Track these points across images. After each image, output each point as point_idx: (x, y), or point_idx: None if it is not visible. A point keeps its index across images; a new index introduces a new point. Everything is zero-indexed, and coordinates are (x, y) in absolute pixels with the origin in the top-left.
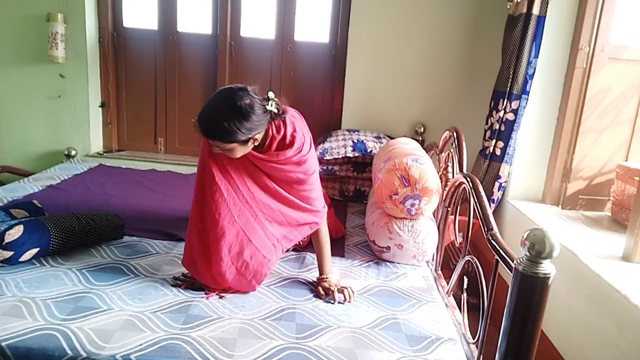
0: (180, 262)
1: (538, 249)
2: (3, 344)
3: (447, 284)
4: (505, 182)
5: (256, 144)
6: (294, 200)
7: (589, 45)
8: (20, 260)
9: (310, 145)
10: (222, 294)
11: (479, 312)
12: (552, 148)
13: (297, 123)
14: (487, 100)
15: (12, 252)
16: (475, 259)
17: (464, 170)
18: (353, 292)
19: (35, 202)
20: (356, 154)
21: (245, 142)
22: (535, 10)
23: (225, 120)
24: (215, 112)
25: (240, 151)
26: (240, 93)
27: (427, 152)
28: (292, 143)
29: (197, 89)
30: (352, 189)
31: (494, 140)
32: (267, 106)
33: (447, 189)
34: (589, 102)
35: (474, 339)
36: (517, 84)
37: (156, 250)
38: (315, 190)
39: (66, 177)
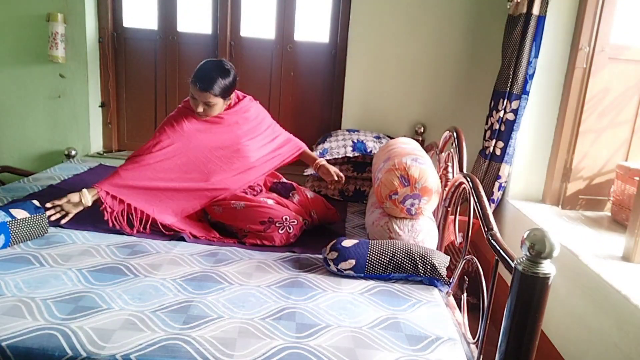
0: (180, 261)
1: (538, 249)
2: (3, 344)
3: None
4: (505, 182)
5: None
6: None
7: (589, 45)
8: None
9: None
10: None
11: (479, 312)
12: (552, 148)
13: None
14: (487, 100)
15: None
16: (475, 259)
17: (464, 170)
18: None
19: (35, 202)
20: (356, 154)
21: (224, 99)
22: (535, 10)
23: (220, 76)
24: (210, 71)
25: (218, 109)
26: (225, 60)
27: (427, 152)
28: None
29: None
30: (352, 189)
31: (494, 140)
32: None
33: (447, 188)
34: (589, 102)
35: (474, 339)
36: (517, 84)
37: (156, 250)
38: None
39: (66, 177)
